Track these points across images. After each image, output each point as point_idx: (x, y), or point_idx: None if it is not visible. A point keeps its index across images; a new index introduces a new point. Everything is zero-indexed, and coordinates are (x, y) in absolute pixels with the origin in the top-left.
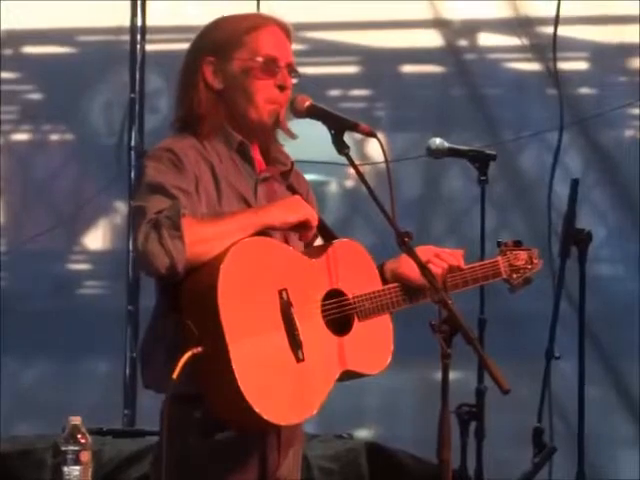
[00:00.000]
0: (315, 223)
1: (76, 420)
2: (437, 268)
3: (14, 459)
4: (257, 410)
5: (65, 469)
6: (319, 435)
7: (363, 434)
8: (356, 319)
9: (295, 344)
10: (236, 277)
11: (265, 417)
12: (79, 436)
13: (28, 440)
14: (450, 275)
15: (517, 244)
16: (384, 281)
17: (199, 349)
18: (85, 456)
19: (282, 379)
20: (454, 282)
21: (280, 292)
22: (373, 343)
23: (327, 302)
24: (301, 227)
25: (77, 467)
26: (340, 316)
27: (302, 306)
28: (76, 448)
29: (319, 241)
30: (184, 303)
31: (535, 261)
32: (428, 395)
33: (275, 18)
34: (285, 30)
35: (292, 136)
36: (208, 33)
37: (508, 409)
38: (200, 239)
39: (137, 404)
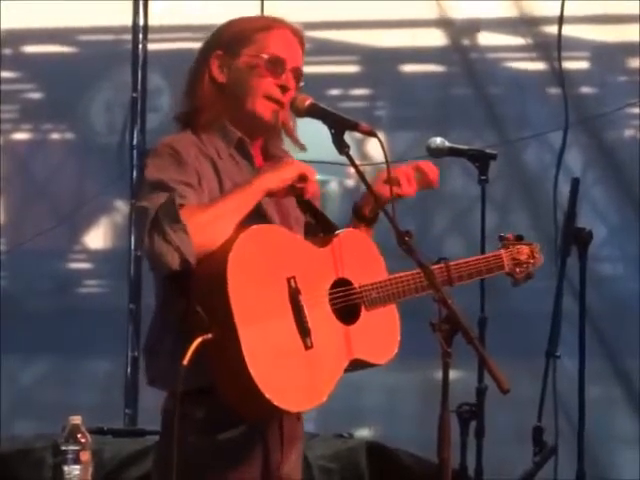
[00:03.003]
0: (313, 175)
1: (76, 419)
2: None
3: (14, 458)
4: (268, 396)
5: (65, 468)
6: (319, 434)
7: (363, 433)
8: (363, 308)
9: (303, 331)
10: (245, 264)
11: (275, 403)
12: (79, 435)
13: (28, 439)
14: (455, 267)
15: (519, 238)
16: (366, 218)
17: (209, 335)
18: (85, 455)
19: (291, 366)
20: (459, 274)
21: (288, 279)
22: (380, 332)
23: (334, 291)
24: (298, 188)
25: (77, 466)
26: (347, 305)
27: (310, 294)
28: (76, 447)
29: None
30: (193, 290)
31: (537, 256)
32: (428, 394)
33: (289, 22)
34: (298, 35)
35: (302, 147)
36: (220, 30)
37: (508, 408)
38: (204, 223)
39: (138, 404)
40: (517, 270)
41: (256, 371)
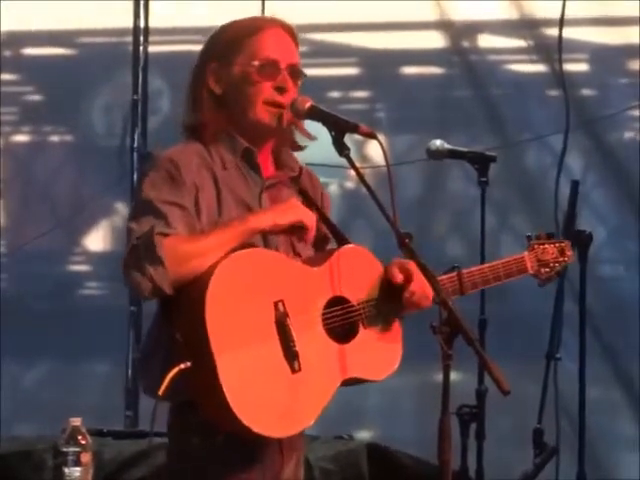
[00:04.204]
0: (311, 224)
1: (76, 421)
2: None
3: (14, 460)
4: (246, 423)
5: (66, 470)
6: (319, 436)
7: (363, 435)
8: (361, 326)
9: (290, 355)
10: (226, 291)
11: (255, 430)
12: (79, 437)
13: (28, 441)
14: (467, 275)
15: (549, 236)
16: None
17: (187, 364)
18: (85, 457)
19: (274, 391)
20: (473, 282)
21: (276, 303)
22: (380, 349)
23: (329, 310)
24: (297, 229)
25: (77, 468)
26: (345, 323)
27: (300, 316)
28: (76, 449)
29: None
30: (175, 317)
31: (568, 253)
32: (429, 396)
33: (279, 20)
34: (289, 31)
35: (310, 137)
36: (213, 39)
37: (509, 410)
38: (185, 257)
39: (139, 405)
40: (542, 271)
41: (233, 399)
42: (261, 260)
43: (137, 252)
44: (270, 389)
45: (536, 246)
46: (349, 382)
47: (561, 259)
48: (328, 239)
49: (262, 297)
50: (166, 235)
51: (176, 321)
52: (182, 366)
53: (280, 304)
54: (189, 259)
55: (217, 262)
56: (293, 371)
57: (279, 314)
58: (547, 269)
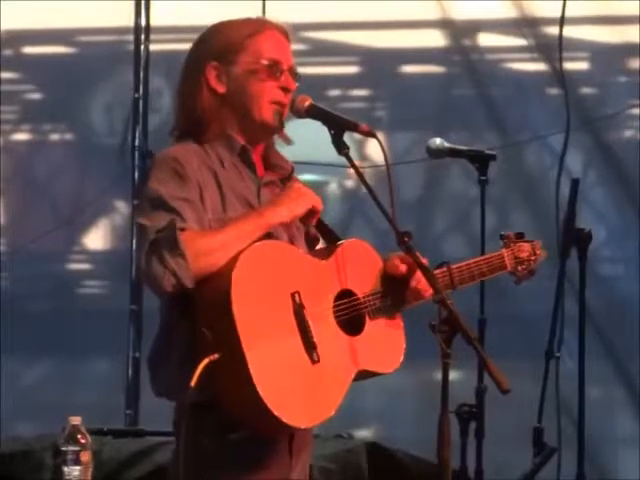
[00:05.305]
0: (320, 207)
1: (76, 420)
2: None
3: (14, 459)
4: (276, 414)
5: (65, 469)
6: (319, 435)
7: (363, 434)
8: (367, 318)
9: (309, 346)
10: (248, 282)
11: (285, 420)
12: (79, 436)
13: (28, 440)
14: (457, 271)
15: (519, 236)
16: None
17: (216, 356)
18: (85, 456)
19: (299, 381)
20: (461, 277)
21: (292, 295)
22: (385, 341)
23: (338, 303)
24: (308, 215)
25: (77, 467)
26: (352, 316)
27: (314, 308)
28: (76, 448)
29: (321, 243)
30: (198, 311)
31: (538, 252)
32: (428, 395)
33: (274, 22)
34: (284, 33)
35: (288, 141)
36: (208, 39)
37: (509, 409)
38: (204, 251)
39: (139, 404)
40: (519, 268)
41: (264, 390)
42: (276, 252)
43: (158, 247)
44: (294, 379)
45: (512, 244)
46: (359, 376)
47: (533, 257)
48: (317, 240)
49: (280, 288)
50: (183, 229)
51: (199, 315)
52: (211, 357)
53: (296, 295)
54: (209, 253)
55: (238, 254)
56: (313, 362)
57: (296, 305)
58: (523, 266)
